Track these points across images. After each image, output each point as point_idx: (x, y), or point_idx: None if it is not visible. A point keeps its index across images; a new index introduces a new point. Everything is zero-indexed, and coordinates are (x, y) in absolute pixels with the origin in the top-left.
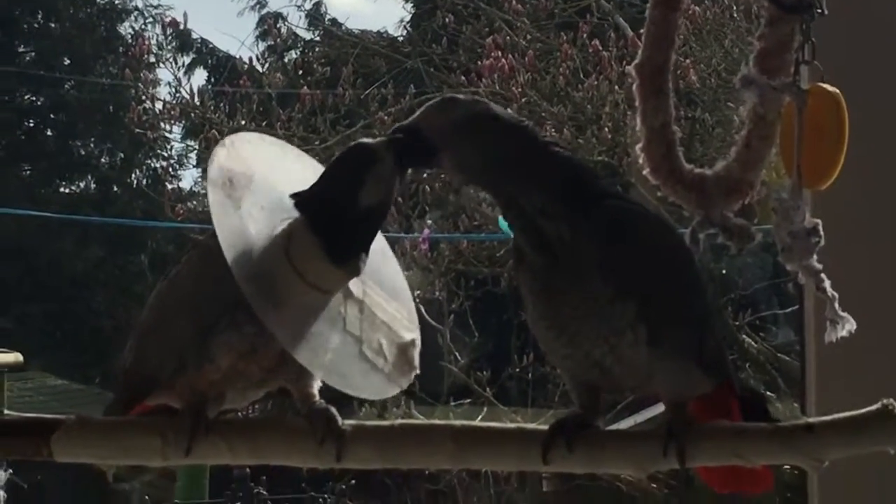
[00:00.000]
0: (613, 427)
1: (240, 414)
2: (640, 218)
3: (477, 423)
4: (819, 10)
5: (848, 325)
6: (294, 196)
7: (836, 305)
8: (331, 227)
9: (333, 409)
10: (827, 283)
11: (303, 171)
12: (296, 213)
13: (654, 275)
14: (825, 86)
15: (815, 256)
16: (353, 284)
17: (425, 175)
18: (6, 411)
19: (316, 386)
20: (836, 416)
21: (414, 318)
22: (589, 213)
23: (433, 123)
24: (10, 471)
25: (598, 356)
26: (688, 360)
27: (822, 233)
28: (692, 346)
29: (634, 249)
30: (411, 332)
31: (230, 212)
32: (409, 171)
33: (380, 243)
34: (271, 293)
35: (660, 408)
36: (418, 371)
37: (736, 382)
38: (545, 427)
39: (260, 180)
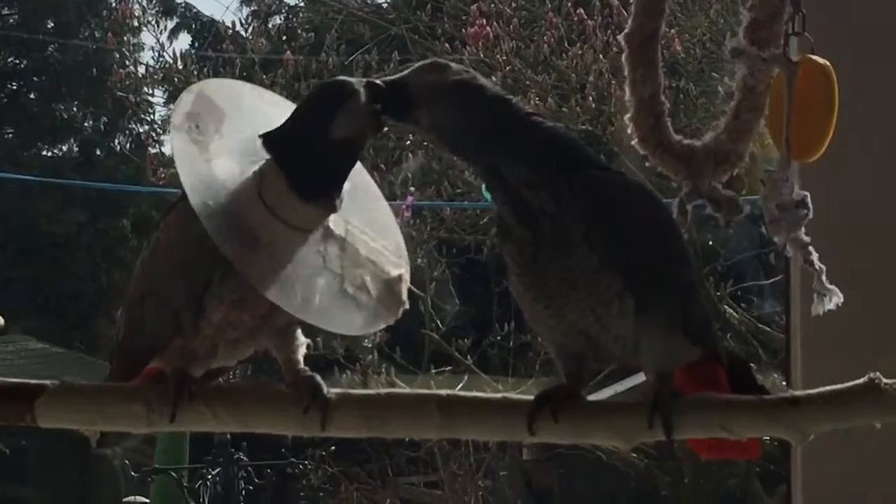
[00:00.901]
0: (594, 396)
1: (222, 380)
2: (624, 188)
3: (463, 392)
4: None
5: (835, 298)
6: (263, 135)
7: (824, 278)
8: (299, 162)
9: (319, 378)
10: (815, 256)
11: (281, 114)
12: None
13: (640, 244)
14: (815, 57)
15: (802, 229)
16: (335, 223)
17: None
18: None
19: (301, 353)
20: (821, 389)
21: (403, 254)
22: (573, 183)
23: (419, 80)
24: None
25: (584, 326)
26: (674, 328)
27: (810, 205)
28: (678, 314)
29: (620, 219)
30: (398, 268)
31: (195, 156)
32: (386, 119)
33: (366, 183)
34: (243, 235)
35: (641, 377)
36: (406, 306)
37: (722, 351)
38: (531, 397)
39: (231, 124)
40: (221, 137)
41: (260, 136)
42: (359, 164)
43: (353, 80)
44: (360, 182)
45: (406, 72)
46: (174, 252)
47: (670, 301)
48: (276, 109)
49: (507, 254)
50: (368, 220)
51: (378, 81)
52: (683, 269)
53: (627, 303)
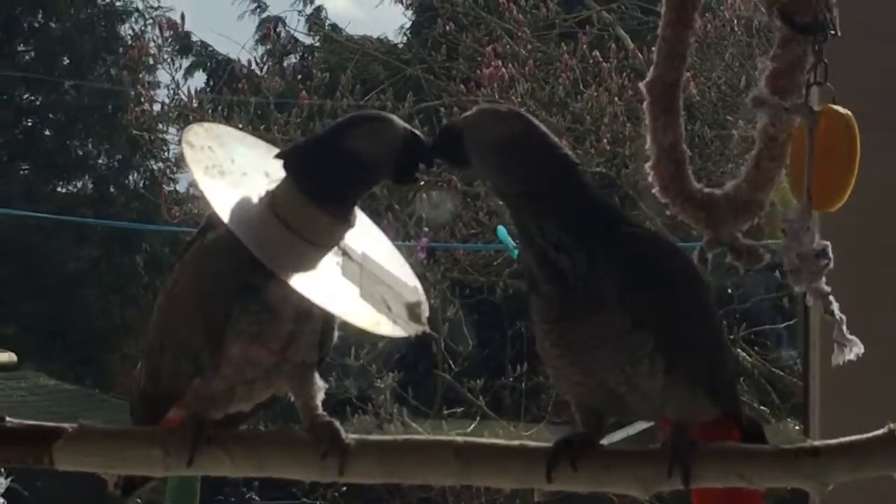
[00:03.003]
0: (607, 439)
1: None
2: (657, 247)
3: (480, 439)
4: (832, 32)
5: (855, 349)
6: (279, 154)
7: (844, 328)
8: (315, 169)
9: (337, 423)
10: (835, 306)
11: (267, 151)
12: (274, 180)
13: (672, 304)
14: (836, 107)
15: (823, 279)
16: (352, 250)
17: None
18: (7, 418)
19: (319, 398)
20: (841, 440)
21: (420, 290)
22: (608, 243)
23: (474, 130)
24: (11, 478)
25: (612, 384)
26: (700, 388)
27: (831, 255)
28: (705, 374)
29: (653, 280)
30: (416, 297)
31: (216, 176)
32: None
33: (378, 233)
34: (267, 252)
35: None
36: (427, 329)
37: (741, 413)
38: (548, 444)
39: (239, 154)
40: (233, 163)
41: (276, 156)
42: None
43: (393, 117)
44: (373, 231)
45: (465, 117)
46: (192, 290)
47: (699, 361)
48: (260, 149)
49: (533, 308)
50: (387, 261)
51: (419, 134)
52: (712, 329)
53: (658, 362)
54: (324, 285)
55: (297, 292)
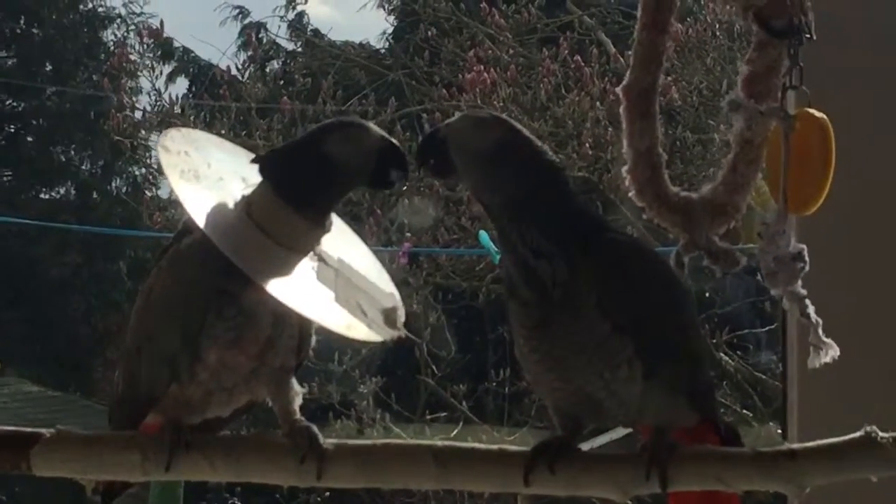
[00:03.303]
0: (590, 443)
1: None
2: (637, 252)
3: (459, 443)
4: (807, 35)
5: (831, 352)
6: (255, 158)
7: (820, 331)
8: (289, 172)
9: (315, 428)
10: (811, 309)
11: (243, 159)
12: (251, 185)
13: (652, 311)
14: (812, 111)
15: (799, 282)
16: (328, 257)
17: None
18: None
19: (297, 403)
20: (818, 442)
21: (397, 297)
22: (587, 248)
23: (459, 138)
24: None
25: (591, 390)
26: (679, 394)
27: (807, 258)
28: (685, 380)
29: (633, 286)
30: (392, 302)
31: (191, 180)
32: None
33: (357, 241)
34: (242, 256)
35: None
36: (403, 334)
37: (720, 420)
38: (526, 448)
39: (216, 159)
40: (209, 168)
41: (252, 161)
42: (343, 223)
43: (370, 124)
44: (352, 239)
45: (448, 124)
46: (169, 295)
47: (678, 367)
48: (238, 153)
49: (512, 313)
50: (363, 267)
51: (395, 142)
52: (692, 335)
53: (637, 368)
54: (299, 290)
55: (273, 297)
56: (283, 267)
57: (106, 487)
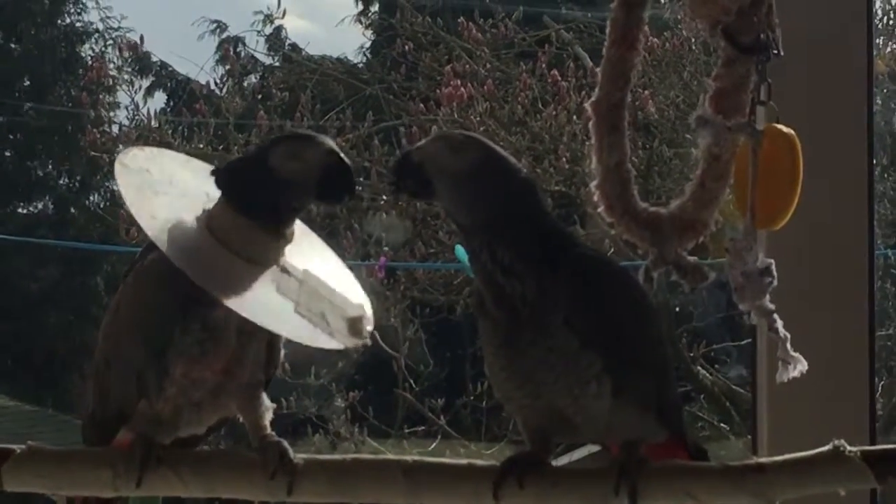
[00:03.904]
0: (568, 457)
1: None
2: (606, 271)
3: (428, 459)
4: (775, 52)
5: (800, 366)
6: (213, 170)
7: (788, 346)
8: (244, 185)
9: (286, 443)
10: (779, 324)
11: (209, 176)
12: (213, 199)
13: (620, 327)
14: (780, 127)
15: (767, 297)
16: (292, 268)
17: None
18: None
19: (268, 418)
20: (787, 456)
21: (367, 306)
22: (555, 265)
23: (435, 161)
24: None
25: (560, 406)
26: (648, 410)
27: (775, 273)
28: (652, 396)
29: (601, 303)
30: (359, 312)
31: (149, 196)
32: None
33: (327, 252)
34: (198, 265)
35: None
36: (368, 342)
37: (688, 437)
38: (497, 463)
39: (181, 177)
40: (171, 184)
41: (212, 174)
42: (314, 234)
43: (319, 136)
44: (323, 250)
45: (421, 147)
46: (134, 310)
47: (646, 383)
48: (205, 170)
49: (483, 330)
50: (332, 278)
51: (342, 157)
52: (660, 351)
53: (606, 384)
54: (258, 301)
55: (237, 312)
56: (242, 279)
57: None
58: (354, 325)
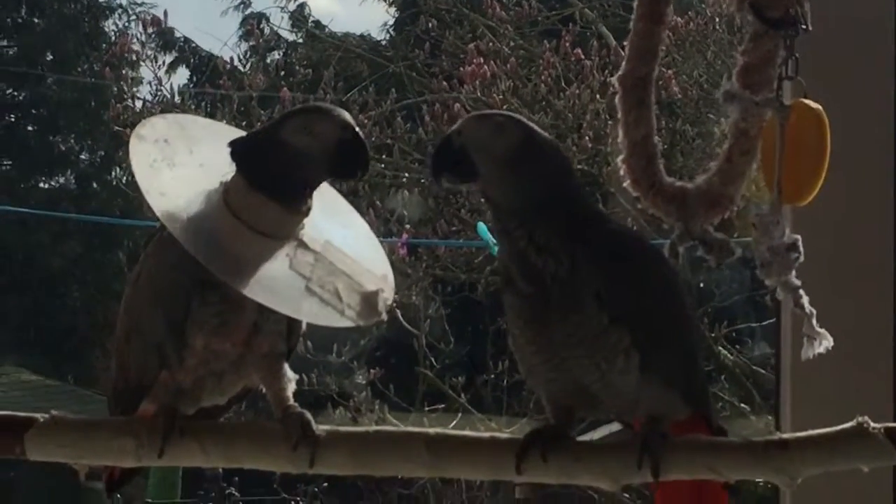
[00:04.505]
0: (589, 435)
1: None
2: (636, 247)
3: (451, 431)
4: (804, 27)
5: (825, 342)
6: (231, 142)
7: (814, 322)
8: (259, 161)
9: (308, 415)
10: (805, 300)
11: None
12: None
13: (650, 303)
14: (808, 102)
15: (793, 272)
16: (311, 240)
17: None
18: None
19: (290, 389)
20: (810, 432)
21: (389, 280)
22: (589, 243)
23: (479, 142)
24: None
25: (586, 382)
26: (674, 387)
27: (801, 249)
28: (680, 374)
29: (632, 278)
30: (377, 286)
31: (158, 165)
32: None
33: (358, 221)
34: (210, 238)
35: None
36: (384, 318)
37: (712, 416)
38: (519, 436)
39: (205, 148)
40: (191, 154)
41: (229, 145)
42: (343, 201)
43: (334, 109)
44: (351, 217)
45: (463, 130)
46: (153, 282)
47: (674, 359)
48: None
49: (509, 305)
50: (356, 248)
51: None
52: (688, 328)
53: (634, 359)
54: (267, 280)
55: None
56: (255, 255)
57: (108, 478)
58: (370, 300)
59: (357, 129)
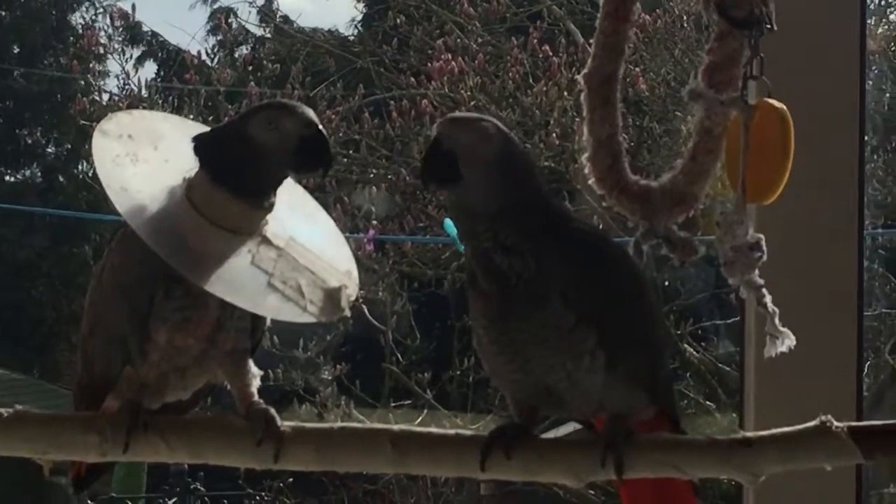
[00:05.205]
0: (555, 432)
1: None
2: (601, 245)
3: (416, 427)
4: (768, 26)
5: (787, 341)
6: (194, 137)
7: (777, 321)
8: (222, 157)
9: (273, 410)
10: (768, 299)
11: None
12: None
13: (615, 302)
14: (772, 101)
15: (757, 271)
16: (275, 236)
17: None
18: None
19: (255, 385)
20: (773, 431)
21: (353, 276)
22: (552, 240)
23: (470, 152)
24: None
25: (551, 382)
26: (639, 386)
27: (764, 248)
28: (645, 373)
29: (597, 277)
30: (341, 281)
31: (121, 161)
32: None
33: (324, 217)
34: (172, 233)
35: None
36: (347, 314)
37: (677, 415)
38: (484, 433)
39: (170, 144)
40: (157, 151)
41: (192, 140)
42: (309, 197)
43: (299, 106)
44: (316, 214)
45: (452, 135)
46: (116, 276)
47: (640, 358)
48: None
49: (473, 305)
50: (320, 245)
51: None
52: (654, 328)
53: (599, 358)
54: (229, 275)
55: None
56: (217, 251)
57: (75, 475)
58: (333, 296)
59: (320, 126)
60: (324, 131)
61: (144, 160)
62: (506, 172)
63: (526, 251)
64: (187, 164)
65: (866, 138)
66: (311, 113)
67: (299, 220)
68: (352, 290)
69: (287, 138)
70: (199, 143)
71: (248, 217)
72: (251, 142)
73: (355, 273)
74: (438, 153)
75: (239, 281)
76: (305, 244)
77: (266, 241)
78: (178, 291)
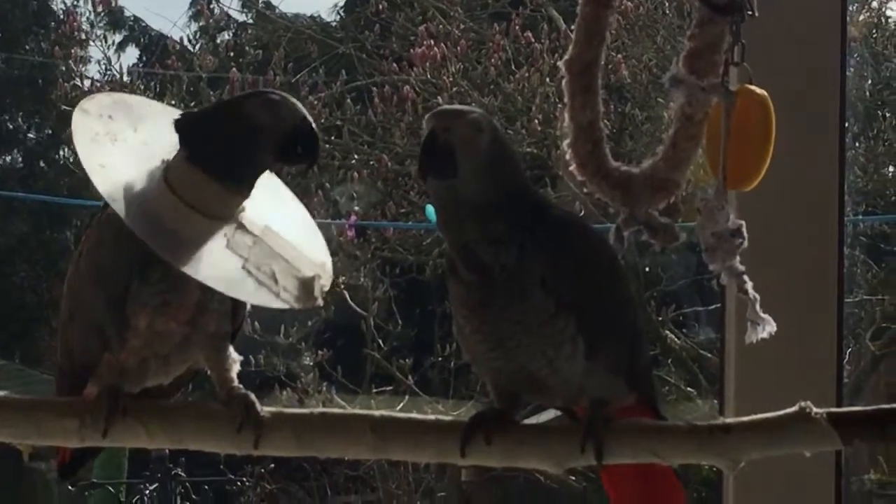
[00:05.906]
0: (536, 417)
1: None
2: (581, 233)
3: (396, 413)
4: (750, 13)
5: (768, 327)
6: (176, 119)
7: (758, 307)
8: (203, 139)
9: (252, 396)
10: (749, 285)
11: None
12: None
13: (595, 290)
14: (753, 88)
15: (738, 258)
16: (251, 224)
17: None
18: None
19: (234, 371)
20: (753, 417)
21: (327, 267)
22: (533, 229)
23: (469, 146)
24: None
25: (533, 369)
26: (618, 373)
27: (745, 234)
28: (625, 360)
29: (577, 265)
30: (315, 271)
31: (103, 141)
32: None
33: (299, 208)
34: (149, 215)
35: None
36: (321, 303)
37: (658, 402)
38: (465, 419)
39: (150, 126)
40: (135, 132)
41: (175, 121)
42: (287, 189)
43: (292, 100)
44: (293, 205)
45: (447, 125)
46: (93, 259)
47: (619, 345)
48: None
49: (454, 293)
50: (295, 235)
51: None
52: (633, 315)
53: (579, 345)
54: (204, 257)
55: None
56: (192, 234)
57: (60, 462)
58: (307, 285)
59: (314, 124)
60: (316, 129)
61: (124, 140)
62: (495, 164)
63: (508, 240)
64: (166, 148)
65: (847, 125)
66: (306, 111)
67: (276, 210)
68: (325, 281)
69: (282, 122)
70: (184, 121)
71: (224, 201)
72: (246, 120)
73: (329, 265)
74: (436, 147)
75: (213, 263)
76: (281, 234)
77: (242, 227)
78: (156, 275)
